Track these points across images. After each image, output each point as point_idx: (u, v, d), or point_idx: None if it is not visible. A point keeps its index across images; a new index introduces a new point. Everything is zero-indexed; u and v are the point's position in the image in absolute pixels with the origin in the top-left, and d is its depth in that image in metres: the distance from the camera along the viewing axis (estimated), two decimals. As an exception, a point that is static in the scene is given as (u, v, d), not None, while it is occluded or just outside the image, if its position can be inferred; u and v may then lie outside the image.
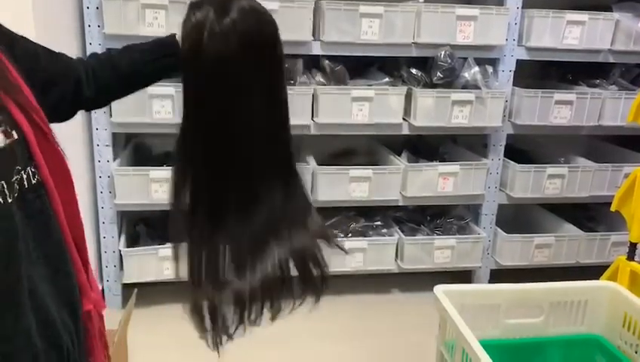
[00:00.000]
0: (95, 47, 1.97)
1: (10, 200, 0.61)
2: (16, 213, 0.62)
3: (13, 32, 0.77)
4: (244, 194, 0.83)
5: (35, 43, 0.82)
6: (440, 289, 1.27)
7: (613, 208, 1.63)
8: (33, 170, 0.66)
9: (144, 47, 0.90)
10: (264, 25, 0.83)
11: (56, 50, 0.87)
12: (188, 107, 0.82)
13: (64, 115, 0.90)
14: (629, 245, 1.60)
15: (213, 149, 0.81)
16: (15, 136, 0.64)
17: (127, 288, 2.18)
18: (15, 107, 0.65)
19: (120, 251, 2.17)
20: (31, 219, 0.65)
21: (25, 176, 0.64)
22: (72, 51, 1.95)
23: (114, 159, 2.13)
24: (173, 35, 0.87)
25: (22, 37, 0.79)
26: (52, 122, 0.91)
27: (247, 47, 0.79)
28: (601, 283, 1.41)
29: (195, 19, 0.79)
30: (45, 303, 0.65)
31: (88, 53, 2.14)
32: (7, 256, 0.60)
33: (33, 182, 0.65)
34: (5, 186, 0.61)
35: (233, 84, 0.79)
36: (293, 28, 2.03)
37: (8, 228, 0.61)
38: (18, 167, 0.63)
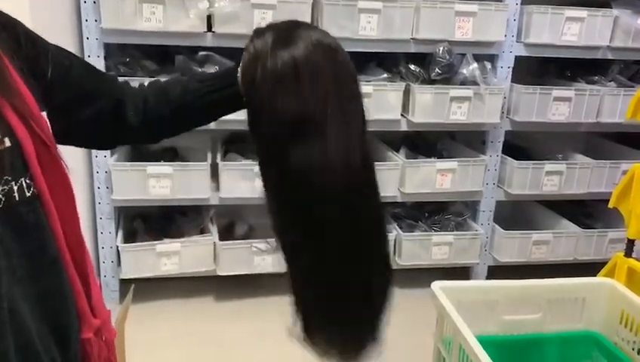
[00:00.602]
0: (92, 41, 1.96)
1: None
2: None
3: (43, 41, 0.73)
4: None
5: (71, 56, 0.77)
6: (437, 286, 1.27)
7: (611, 205, 1.63)
8: (28, 181, 0.61)
9: (204, 77, 0.82)
10: (334, 64, 0.71)
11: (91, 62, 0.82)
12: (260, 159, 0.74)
13: (102, 140, 0.84)
14: (626, 242, 1.60)
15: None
16: (7, 143, 0.59)
17: (125, 284, 2.18)
18: (12, 113, 0.60)
19: (117, 247, 2.16)
20: (20, 234, 0.60)
21: (16, 188, 0.59)
22: (69, 46, 1.94)
23: (111, 154, 2.12)
24: (236, 65, 0.78)
25: (56, 47, 0.74)
26: (90, 146, 0.87)
27: (310, 88, 0.68)
28: (599, 280, 1.41)
29: (254, 49, 0.71)
30: (26, 326, 0.60)
31: (85, 48, 2.15)
32: None
33: (27, 194, 0.60)
34: None
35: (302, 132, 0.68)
36: (291, 23, 2.02)
37: None
38: (7, 177, 0.58)
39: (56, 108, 0.73)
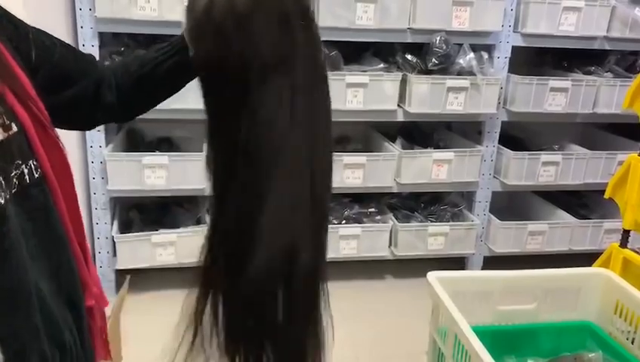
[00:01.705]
0: (86, 30, 1.94)
1: (3, 201, 0.57)
2: (13, 211, 0.59)
3: (23, 23, 0.73)
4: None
5: (52, 37, 0.77)
6: (433, 276, 1.27)
7: (606, 195, 1.63)
8: (35, 163, 0.63)
9: (159, 46, 0.82)
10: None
11: (73, 46, 0.82)
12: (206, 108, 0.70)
13: (84, 120, 0.85)
14: (622, 232, 1.60)
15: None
16: (14, 128, 0.60)
17: (120, 274, 2.18)
18: (13, 97, 0.61)
19: (113, 237, 2.16)
20: (32, 215, 0.62)
21: (26, 171, 0.61)
22: (63, 35, 1.93)
23: (106, 145, 2.11)
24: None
25: (35, 29, 0.75)
26: (71, 127, 0.86)
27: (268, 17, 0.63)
28: (594, 270, 1.42)
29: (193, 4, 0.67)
30: (47, 302, 0.63)
31: (80, 37, 2.13)
32: (6, 257, 0.57)
33: (36, 176, 0.63)
34: (3, 183, 0.57)
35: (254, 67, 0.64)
36: (287, 12, 2.01)
37: (4, 230, 0.57)
38: (18, 161, 0.60)
39: (40, 89, 0.73)
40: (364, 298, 2.34)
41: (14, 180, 0.60)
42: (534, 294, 1.35)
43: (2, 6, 0.71)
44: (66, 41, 0.81)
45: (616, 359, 1.25)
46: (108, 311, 0.80)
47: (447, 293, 1.21)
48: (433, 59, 2.17)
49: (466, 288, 1.30)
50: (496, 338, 1.26)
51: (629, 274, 1.54)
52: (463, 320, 1.12)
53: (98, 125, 0.90)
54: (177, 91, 0.85)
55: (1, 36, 0.65)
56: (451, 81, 2.18)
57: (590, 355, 1.23)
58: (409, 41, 2.18)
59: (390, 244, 2.40)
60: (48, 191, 0.64)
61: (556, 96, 2.30)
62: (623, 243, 1.59)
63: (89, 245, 0.74)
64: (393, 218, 2.42)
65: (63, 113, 0.79)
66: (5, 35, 0.67)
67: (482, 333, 1.09)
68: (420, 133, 2.56)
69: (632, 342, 1.26)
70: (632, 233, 1.59)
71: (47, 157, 0.64)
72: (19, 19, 0.73)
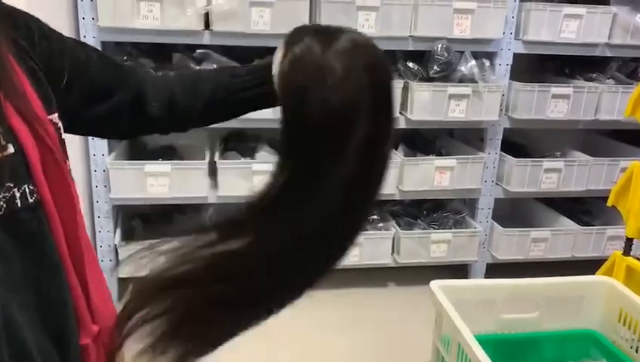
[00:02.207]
0: (89, 39, 1.95)
1: None
2: None
3: (59, 38, 0.71)
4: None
5: (89, 49, 0.76)
6: (436, 285, 1.27)
7: (609, 203, 1.63)
8: (31, 187, 0.59)
9: (236, 72, 0.79)
10: (379, 68, 0.66)
11: (118, 61, 0.81)
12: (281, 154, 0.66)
13: (126, 131, 0.83)
14: (625, 240, 1.60)
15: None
16: (10, 150, 0.57)
17: (123, 282, 2.18)
18: (16, 116, 0.58)
19: (115, 245, 2.16)
20: (21, 241, 0.59)
21: (18, 194, 0.58)
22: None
23: (109, 153, 2.11)
24: (270, 63, 0.73)
25: (72, 42, 0.73)
26: (112, 136, 0.86)
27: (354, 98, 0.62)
28: (597, 278, 1.41)
29: (301, 53, 0.64)
30: (21, 334, 0.58)
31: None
32: None
33: (30, 200, 0.59)
34: None
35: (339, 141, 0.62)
36: (289, 21, 2.01)
37: None
38: (9, 184, 0.57)
39: (74, 104, 0.72)
40: (366, 306, 2.34)
41: (1, 203, 0.57)
42: (537, 302, 1.34)
43: (39, 20, 0.69)
44: (91, 45, 0.80)
45: (621, 368, 1.24)
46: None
47: (450, 302, 1.21)
48: (435, 67, 2.18)
49: (469, 297, 1.30)
50: (499, 346, 1.25)
51: (632, 282, 1.53)
52: (466, 329, 1.12)
53: (141, 135, 0.88)
54: (236, 117, 0.82)
55: (28, 53, 0.64)
56: (453, 89, 2.18)
57: (594, 364, 1.22)
58: (410, 48, 2.19)
59: (393, 252, 2.39)
60: (44, 217, 0.61)
61: (558, 103, 2.30)
62: (626, 251, 1.59)
63: (101, 277, 0.70)
64: (396, 225, 2.41)
65: (103, 125, 0.78)
66: (38, 52, 0.66)
67: (485, 342, 1.09)
68: (422, 140, 2.56)
69: (637, 351, 1.26)
70: (635, 241, 1.58)
71: (49, 182, 0.61)
72: (54, 32, 0.71)
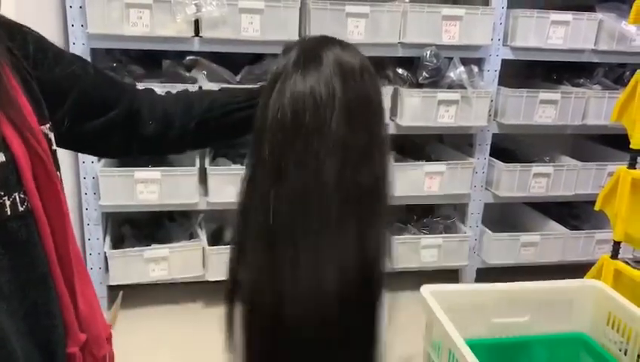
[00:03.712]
0: (79, 46, 1.94)
1: None
2: None
3: (57, 52, 0.72)
4: None
5: (86, 64, 0.76)
6: (427, 290, 1.27)
7: (597, 207, 1.65)
8: (22, 196, 0.60)
9: (232, 92, 0.79)
10: (368, 88, 0.68)
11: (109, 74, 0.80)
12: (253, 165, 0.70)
13: (116, 150, 0.81)
14: (612, 244, 1.61)
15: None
16: (2, 158, 0.58)
17: (113, 290, 2.17)
18: (8, 125, 0.59)
19: (105, 253, 2.15)
20: (10, 249, 0.59)
21: (9, 203, 0.58)
22: (55, 51, 1.93)
23: (98, 160, 2.10)
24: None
25: (70, 56, 0.74)
26: (102, 155, 0.84)
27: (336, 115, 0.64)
28: (586, 282, 1.42)
29: (275, 69, 0.67)
30: (10, 344, 0.59)
31: (72, 53, 2.12)
32: None
33: (20, 209, 0.60)
34: None
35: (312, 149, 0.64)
36: (279, 28, 2.02)
37: None
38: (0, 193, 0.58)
39: (67, 117, 0.72)
40: (358, 311, 2.34)
41: None
42: (527, 306, 1.35)
43: (37, 33, 0.70)
44: (90, 62, 0.80)
45: (610, 371, 1.25)
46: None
47: (441, 307, 1.21)
48: (424, 73, 2.19)
49: (460, 301, 1.31)
50: (490, 351, 1.26)
51: (620, 285, 1.55)
52: (457, 335, 1.12)
53: (134, 155, 0.86)
54: (232, 139, 0.83)
55: (22, 63, 0.64)
56: (442, 95, 2.20)
57: (584, 367, 1.23)
58: (400, 55, 2.20)
59: (383, 257, 2.39)
60: (34, 226, 0.61)
61: (546, 109, 2.32)
62: (614, 255, 1.60)
63: (89, 286, 0.70)
64: (386, 231, 2.42)
65: (95, 140, 0.78)
66: (32, 63, 0.66)
67: (476, 346, 1.09)
68: (411, 146, 2.58)
69: (625, 354, 1.27)
70: (622, 244, 1.60)
71: (40, 191, 0.61)
72: (53, 47, 0.72)
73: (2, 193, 0.58)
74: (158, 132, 0.79)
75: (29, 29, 0.71)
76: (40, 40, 0.71)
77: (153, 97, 0.82)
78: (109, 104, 0.77)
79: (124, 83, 0.82)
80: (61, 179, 0.67)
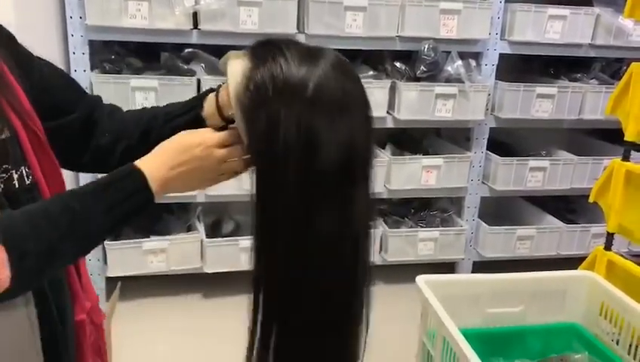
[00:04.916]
0: (77, 38, 1.95)
1: None
2: None
3: (25, 49, 0.74)
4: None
5: (51, 65, 0.77)
6: (422, 280, 1.28)
7: (591, 199, 1.66)
8: (27, 170, 0.63)
9: (179, 103, 0.80)
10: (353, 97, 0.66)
11: (53, 63, 0.80)
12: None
13: (67, 155, 0.79)
14: (606, 235, 1.63)
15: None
16: (7, 133, 0.61)
17: (111, 282, 2.18)
18: (7, 106, 0.62)
19: (104, 244, 2.16)
20: None
21: (16, 176, 0.62)
22: (53, 43, 1.94)
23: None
24: (208, 91, 0.76)
25: (37, 57, 0.75)
26: (66, 164, 0.80)
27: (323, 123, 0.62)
28: (580, 272, 1.44)
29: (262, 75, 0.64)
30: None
31: (70, 45, 2.12)
32: None
33: (27, 182, 0.63)
34: None
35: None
36: (277, 21, 2.03)
37: None
38: (6, 166, 0.61)
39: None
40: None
41: (0, 184, 0.60)
42: (521, 297, 1.36)
43: (7, 30, 0.72)
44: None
45: (602, 360, 1.26)
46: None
47: (436, 297, 1.22)
48: (422, 67, 2.20)
49: (455, 291, 1.32)
50: (484, 340, 1.27)
51: (613, 276, 1.56)
52: (452, 323, 1.13)
53: (82, 167, 0.85)
54: None
55: (6, 55, 0.67)
56: (440, 88, 2.21)
57: (576, 356, 1.25)
58: (398, 48, 2.21)
59: (380, 250, 2.41)
60: (39, 198, 0.64)
61: (543, 103, 2.33)
62: (608, 246, 1.62)
63: (84, 259, 0.74)
64: (383, 224, 2.43)
65: (58, 146, 0.77)
66: (14, 60, 0.68)
67: (471, 336, 1.10)
68: (409, 140, 2.59)
69: (617, 343, 1.28)
70: (616, 236, 1.61)
71: (41, 165, 0.65)
72: (26, 50, 0.74)
73: (10, 167, 0.61)
74: (111, 144, 0.79)
75: (7, 29, 0.72)
76: (13, 39, 0.72)
77: (114, 111, 0.83)
78: (68, 108, 0.77)
79: (85, 92, 0.83)
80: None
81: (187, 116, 0.78)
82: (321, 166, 0.62)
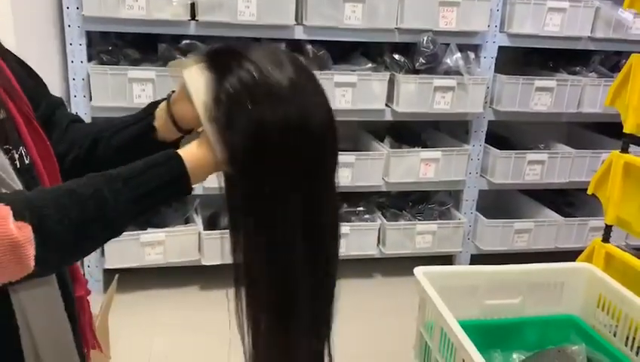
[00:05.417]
0: (74, 29, 1.93)
1: None
2: None
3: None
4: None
5: (29, 69, 0.77)
6: (420, 271, 1.28)
7: (589, 191, 1.66)
8: (25, 150, 0.64)
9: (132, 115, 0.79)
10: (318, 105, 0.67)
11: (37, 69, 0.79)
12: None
13: None
14: (604, 227, 1.63)
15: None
16: (3, 115, 0.63)
17: (109, 274, 2.17)
18: (1, 89, 0.64)
19: (101, 237, 2.15)
20: None
21: (17, 156, 0.63)
22: (50, 34, 1.92)
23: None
24: (159, 101, 0.75)
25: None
26: None
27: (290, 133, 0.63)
28: (578, 264, 1.44)
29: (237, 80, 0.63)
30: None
31: (67, 36, 2.11)
32: None
33: (26, 162, 0.64)
34: None
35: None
36: (275, 12, 2.02)
37: None
38: (8, 146, 0.62)
39: None
40: (352, 296, 2.34)
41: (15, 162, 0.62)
42: (519, 289, 1.36)
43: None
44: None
45: (599, 351, 1.26)
46: (95, 308, 0.81)
47: (434, 288, 1.22)
48: (420, 59, 2.19)
49: (453, 283, 1.32)
50: (482, 332, 1.27)
51: (611, 268, 1.56)
52: (450, 314, 1.13)
53: None
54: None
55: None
56: (438, 81, 2.20)
57: (574, 348, 1.24)
58: (397, 40, 2.20)
59: (378, 243, 2.41)
60: (37, 179, 0.66)
61: (542, 96, 2.33)
62: (606, 238, 1.62)
63: None
64: (381, 217, 2.43)
65: None
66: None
67: (468, 327, 1.10)
68: (407, 133, 2.58)
69: (615, 335, 1.28)
70: (614, 228, 1.61)
71: (36, 147, 0.66)
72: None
73: (10, 147, 0.62)
74: (63, 152, 0.77)
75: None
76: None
77: (74, 121, 0.81)
78: (33, 104, 0.73)
79: (54, 96, 0.81)
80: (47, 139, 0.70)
81: (136, 127, 0.76)
82: (302, 161, 0.66)
